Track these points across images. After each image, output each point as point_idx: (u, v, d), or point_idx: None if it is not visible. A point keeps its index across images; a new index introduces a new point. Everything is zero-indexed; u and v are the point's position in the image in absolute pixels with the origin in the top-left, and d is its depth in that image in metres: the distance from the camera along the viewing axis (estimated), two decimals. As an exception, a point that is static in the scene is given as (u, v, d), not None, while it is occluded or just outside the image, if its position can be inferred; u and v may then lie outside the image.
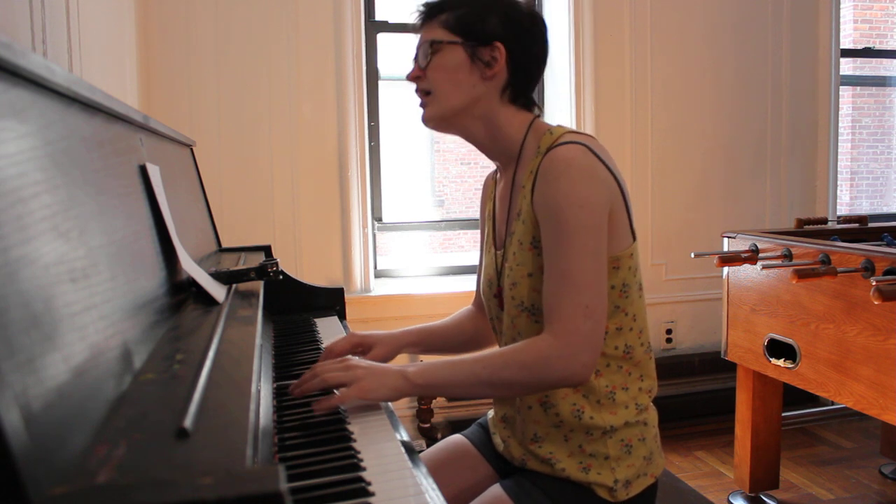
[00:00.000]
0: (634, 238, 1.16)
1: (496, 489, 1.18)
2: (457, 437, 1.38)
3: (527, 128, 1.19)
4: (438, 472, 1.28)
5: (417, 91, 1.20)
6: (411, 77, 1.20)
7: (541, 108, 1.23)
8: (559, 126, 1.18)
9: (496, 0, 1.17)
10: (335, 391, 1.05)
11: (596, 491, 1.14)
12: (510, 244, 1.19)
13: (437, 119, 1.20)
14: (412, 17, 1.21)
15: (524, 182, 1.16)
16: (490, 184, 1.37)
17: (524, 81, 1.19)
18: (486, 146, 1.23)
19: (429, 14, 1.19)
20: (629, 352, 1.16)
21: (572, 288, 1.05)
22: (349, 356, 1.13)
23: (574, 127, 2.57)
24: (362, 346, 1.29)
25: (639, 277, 1.17)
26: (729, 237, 2.33)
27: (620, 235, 1.12)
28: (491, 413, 1.35)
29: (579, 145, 1.09)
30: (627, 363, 1.17)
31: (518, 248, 1.16)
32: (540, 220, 1.10)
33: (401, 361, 1.20)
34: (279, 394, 1.12)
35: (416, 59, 1.20)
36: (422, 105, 1.21)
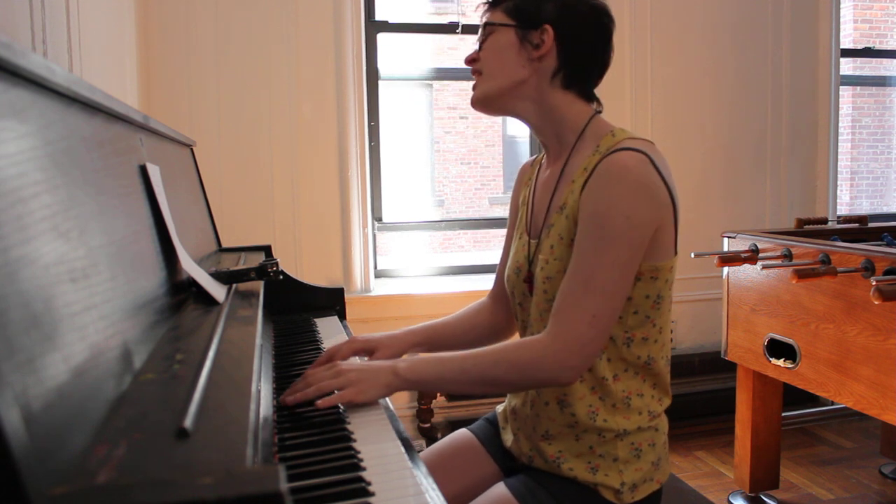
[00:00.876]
0: (676, 252, 1.15)
1: (500, 488, 1.18)
2: (463, 432, 1.37)
3: (587, 120, 1.19)
4: (443, 468, 1.27)
5: (473, 73, 1.22)
6: (468, 60, 1.23)
7: (601, 104, 1.23)
8: (622, 129, 1.17)
9: None
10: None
11: (601, 492, 1.14)
12: (547, 236, 1.18)
13: (483, 99, 1.21)
14: (480, 5, 1.24)
15: (575, 177, 1.15)
16: (528, 170, 1.36)
17: (577, 70, 1.18)
18: (539, 128, 1.22)
19: (495, 1, 1.21)
20: (651, 363, 1.16)
21: (590, 295, 1.05)
22: (338, 362, 1.12)
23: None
24: (365, 350, 1.27)
25: (671, 292, 1.16)
26: (729, 237, 2.33)
27: (663, 248, 1.11)
28: (501, 407, 1.35)
29: (641, 154, 1.08)
30: (646, 372, 1.16)
31: (557, 242, 1.15)
32: (581, 219, 1.09)
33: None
34: (279, 394, 1.12)
35: (477, 44, 1.23)
36: (473, 87, 1.23)
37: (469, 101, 1.26)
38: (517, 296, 1.26)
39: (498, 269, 1.40)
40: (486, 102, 1.22)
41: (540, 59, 1.16)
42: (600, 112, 1.22)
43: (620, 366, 1.15)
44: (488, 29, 1.19)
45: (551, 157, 1.24)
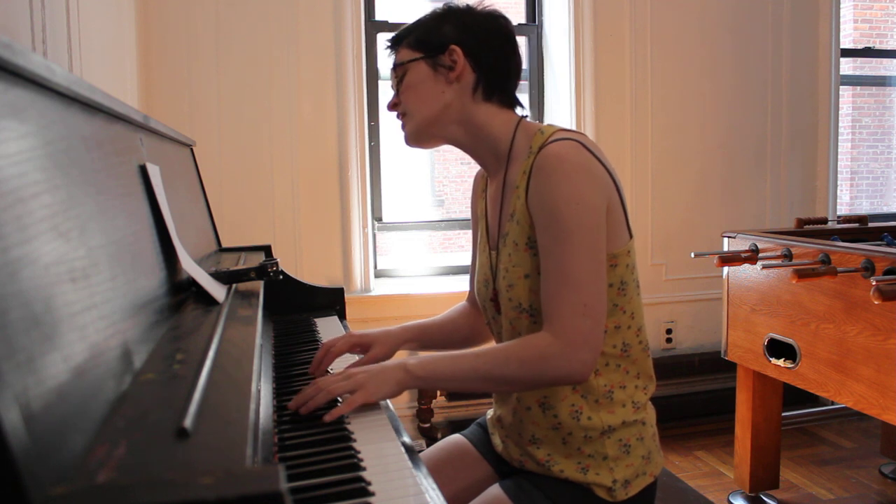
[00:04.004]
0: (631, 235, 1.15)
1: (495, 489, 1.18)
2: (456, 437, 1.38)
3: (514, 127, 1.19)
4: (438, 472, 1.28)
5: (399, 117, 1.24)
6: (390, 106, 1.24)
7: (524, 107, 1.24)
8: (549, 125, 1.18)
9: (450, 10, 1.20)
10: (338, 400, 1.05)
11: (595, 491, 1.14)
12: (504, 245, 1.18)
13: (415, 135, 1.22)
14: (386, 55, 1.26)
15: (517, 182, 1.15)
16: (480, 181, 1.36)
17: (495, 78, 1.19)
18: (472, 149, 1.24)
19: (395, 44, 1.23)
20: (627, 350, 1.16)
21: (571, 287, 1.05)
22: (348, 369, 1.13)
23: (574, 127, 2.58)
24: (361, 346, 1.29)
25: (636, 275, 1.17)
26: (729, 237, 2.33)
27: (618, 233, 1.12)
28: (490, 413, 1.35)
29: (572, 142, 1.09)
30: (625, 361, 1.17)
31: (513, 249, 1.16)
32: (535, 218, 1.10)
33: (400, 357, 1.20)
34: (279, 394, 1.12)
35: (393, 89, 1.24)
36: (402, 128, 1.24)
37: (404, 143, 1.26)
38: (488, 311, 1.28)
39: (469, 276, 1.42)
40: (417, 138, 1.23)
41: (457, 78, 1.17)
42: (526, 117, 1.23)
43: (600, 360, 1.15)
44: (399, 70, 1.21)
45: (493, 172, 1.25)
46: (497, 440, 1.29)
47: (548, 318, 1.07)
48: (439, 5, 1.26)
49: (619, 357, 1.16)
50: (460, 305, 1.45)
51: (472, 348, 1.12)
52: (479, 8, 1.22)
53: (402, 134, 1.24)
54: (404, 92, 1.20)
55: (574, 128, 2.27)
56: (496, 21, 1.21)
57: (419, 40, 1.19)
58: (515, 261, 1.15)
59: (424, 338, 1.38)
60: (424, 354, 1.12)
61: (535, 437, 1.18)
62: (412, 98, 1.20)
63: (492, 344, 1.26)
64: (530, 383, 1.11)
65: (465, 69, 1.17)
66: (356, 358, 1.32)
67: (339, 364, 1.28)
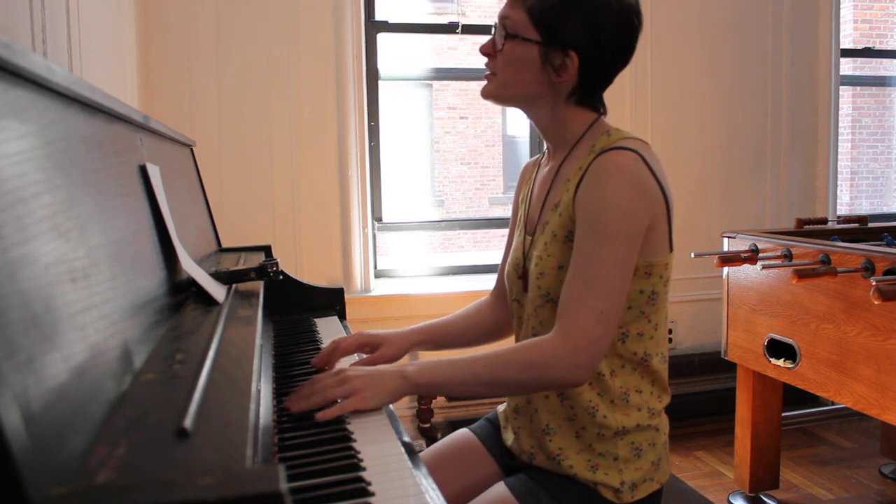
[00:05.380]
0: (671, 250, 1.15)
1: (500, 487, 1.18)
2: (463, 432, 1.37)
3: (588, 126, 1.18)
4: (443, 467, 1.27)
5: (486, 66, 1.20)
6: (483, 51, 1.20)
7: (606, 109, 1.21)
8: (618, 129, 1.17)
9: (590, 2, 1.11)
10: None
11: (601, 492, 1.14)
12: (542, 233, 1.18)
13: (494, 98, 1.21)
14: None
15: (570, 175, 1.16)
16: (530, 169, 1.36)
17: (595, 86, 1.17)
18: (545, 129, 1.23)
19: None
20: (647, 359, 1.16)
21: (593, 292, 1.05)
22: (344, 367, 1.11)
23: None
24: (370, 346, 1.28)
25: (668, 290, 1.17)
26: (729, 237, 2.33)
27: (657, 245, 1.12)
28: (502, 407, 1.35)
29: (633, 153, 1.09)
30: (642, 368, 1.17)
31: (551, 239, 1.16)
32: (578, 218, 1.10)
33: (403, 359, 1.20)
34: (279, 394, 1.12)
35: (493, 33, 1.19)
36: (486, 77, 1.20)
37: (479, 92, 1.24)
38: (514, 291, 1.27)
39: (500, 267, 1.41)
40: (495, 100, 1.22)
41: (560, 82, 1.15)
42: (604, 114, 1.22)
43: (617, 362, 1.15)
44: (509, 29, 1.14)
45: (552, 154, 1.25)
46: (509, 433, 1.28)
47: (561, 316, 1.07)
48: None
49: (637, 363, 1.16)
50: (480, 301, 1.43)
51: (473, 353, 1.10)
52: (619, 5, 1.12)
53: (483, 83, 1.21)
54: (504, 57, 1.15)
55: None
56: (627, 29, 1.14)
57: (545, 17, 1.11)
58: (551, 251, 1.15)
59: (436, 337, 1.36)
60: (424, 359, 1.11)
61: (549, 427, 1.18)
62: (507, 69, 1.15)
63: (510, 339, 1.24)
64: (531, 387, 1.11)
65: (573, 77, 1.13)
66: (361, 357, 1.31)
67: (345, 363, 1.27)
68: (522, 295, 1.23)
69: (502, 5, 1.19)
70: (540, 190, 1.25)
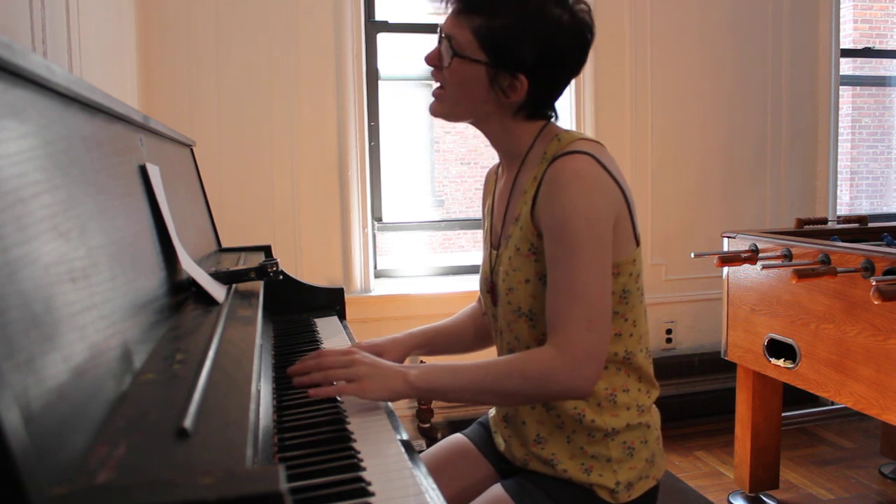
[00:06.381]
0: (638, 244, 1.15)
1: (497, 489, 1.18)
2: (457, 437, 1.37)
3: (536, 134, 1.17)
4: (439, 472, 1.27)
5: (433, 73, 1.17)
6: (429, 62, 1.16)
7: (557, 113, 1.21)
8: (567, 132, 1.16)
9: (540, 22, 1.09)
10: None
11: (597, 492, 1.14)
12: (505, 247, 1.18)
13: (443, 115, 1.19)
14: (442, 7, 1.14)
15: (526, 187, 1.15)
16: (492, 177, 1.35)
17: (545, 102, 1.17)
18: (496, 143, 1.22)
19: (467, 6, 1.10)
20: (629, 357, 1.16)
21: (576, 301, 1.04)
22: (355, 350, 1.11)
23: (574, 128, 2.58)
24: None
25: (640, 283, 1.16)
26: (729, 237, 2.33)
27: (623, 242, 1.11)
28: (492, 412, 1.35)
29: (585, 155, 1.08)
30: (626, 367, 1.16)
31: (514, 254, 1.15)
32: (543, 230, 1.09)
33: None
34: (279, 394, 1.12)
35: (439, 45, 1.15)
36: (435, 92, 1.18)
37: (428, 108, 1.20)
38: (487, 306, 1.27)
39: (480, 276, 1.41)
40: (443, 117, 1.19)
41: (508, 103, 1.13)
42: (552, 119, 1.20)
43: None
44: (455, 48, 1.11)
45: (506, 166, 1.24)
46: (500, 439, 1.28)
47: (552, 331, 1.07)
48: None
49: (620, 363, 1.16)
50: (470, 307, 1.43)
51: (475, 361, 1.09)
52: (572, 21, 1.10)
53: (430, 98, 1.18)
54: (451, 73, 1.12)
55: (574, 128, 2.27)
56: (580, 47, 1.13)
57: (491, 40, 1.08)
58: (516, 265, 1.15)
59: (433, 343, 1.36)
60: (427, 363, 1.11)
61: (539, 437, 1.18)
62: (455, 88, 1.13)
63: (493, 350, 1.24)
64: (533, 398, 1.11)
65: (521, 96, 1.12)
66: None
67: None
68: (493, 309, 1.23)
69: (446, 16, 1.14)
70: (500, 203, 1.24)
